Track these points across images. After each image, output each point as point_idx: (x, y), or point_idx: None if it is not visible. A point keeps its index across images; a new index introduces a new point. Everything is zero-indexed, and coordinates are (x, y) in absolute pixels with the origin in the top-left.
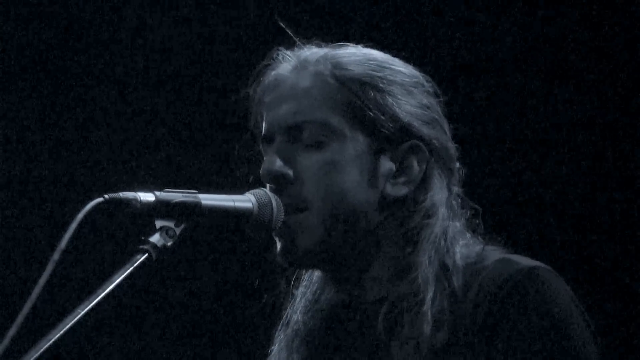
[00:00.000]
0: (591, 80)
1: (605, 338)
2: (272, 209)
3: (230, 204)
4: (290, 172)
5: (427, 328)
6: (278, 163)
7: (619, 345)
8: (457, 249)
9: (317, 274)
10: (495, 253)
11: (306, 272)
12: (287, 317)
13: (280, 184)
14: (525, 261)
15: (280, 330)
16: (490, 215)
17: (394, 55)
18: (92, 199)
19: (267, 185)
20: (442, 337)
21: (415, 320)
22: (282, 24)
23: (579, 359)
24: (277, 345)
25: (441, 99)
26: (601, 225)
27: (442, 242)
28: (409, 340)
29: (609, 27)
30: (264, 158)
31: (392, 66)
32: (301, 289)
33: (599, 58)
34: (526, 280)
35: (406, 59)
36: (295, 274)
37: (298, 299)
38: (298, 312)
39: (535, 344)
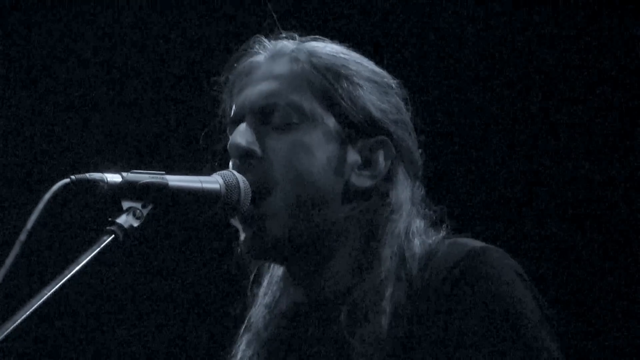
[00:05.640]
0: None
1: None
2: (240, 190)
3: (198, 185)
4: (259, 150)
5: (385, 322)
6: (247, 138)
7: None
8: (417, 241)
9: (278, 274)
10: (450, 240)
11: (267, 272)
12: (249, 319)
13: (247, 160)
14: (473, 243)
15: (242, 333)
16: (458, 216)
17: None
18: (58, 180)
19: (233, 161)
20: (401, 330)
21: (375, 316)
22: (269, 8)
23: (527, 337)
24: (238, 348)
25: (409, 107)
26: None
27: (404, 237)
28: (369, 335)
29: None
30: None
31: (365, 64)
32: (262, 291)
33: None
34: (474, 261)
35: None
36: (253, 274)
37: (259, 302)
38: (259, 314)
39: (484, 323)
